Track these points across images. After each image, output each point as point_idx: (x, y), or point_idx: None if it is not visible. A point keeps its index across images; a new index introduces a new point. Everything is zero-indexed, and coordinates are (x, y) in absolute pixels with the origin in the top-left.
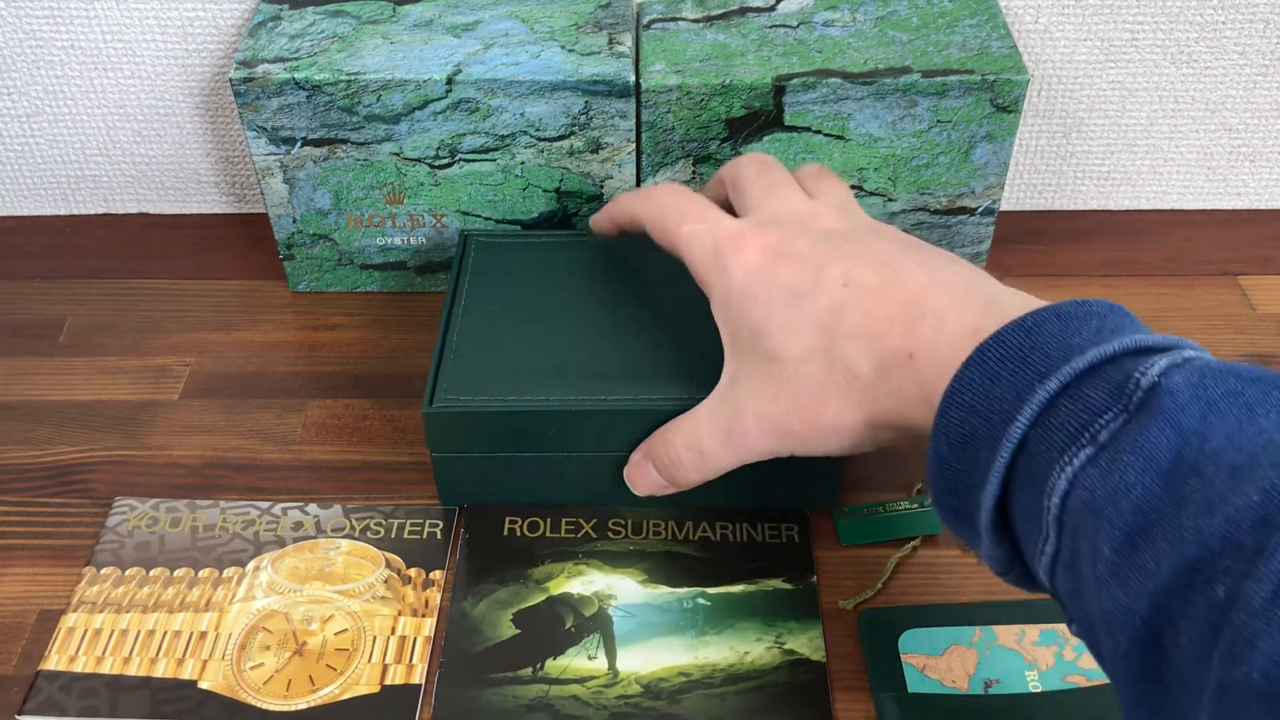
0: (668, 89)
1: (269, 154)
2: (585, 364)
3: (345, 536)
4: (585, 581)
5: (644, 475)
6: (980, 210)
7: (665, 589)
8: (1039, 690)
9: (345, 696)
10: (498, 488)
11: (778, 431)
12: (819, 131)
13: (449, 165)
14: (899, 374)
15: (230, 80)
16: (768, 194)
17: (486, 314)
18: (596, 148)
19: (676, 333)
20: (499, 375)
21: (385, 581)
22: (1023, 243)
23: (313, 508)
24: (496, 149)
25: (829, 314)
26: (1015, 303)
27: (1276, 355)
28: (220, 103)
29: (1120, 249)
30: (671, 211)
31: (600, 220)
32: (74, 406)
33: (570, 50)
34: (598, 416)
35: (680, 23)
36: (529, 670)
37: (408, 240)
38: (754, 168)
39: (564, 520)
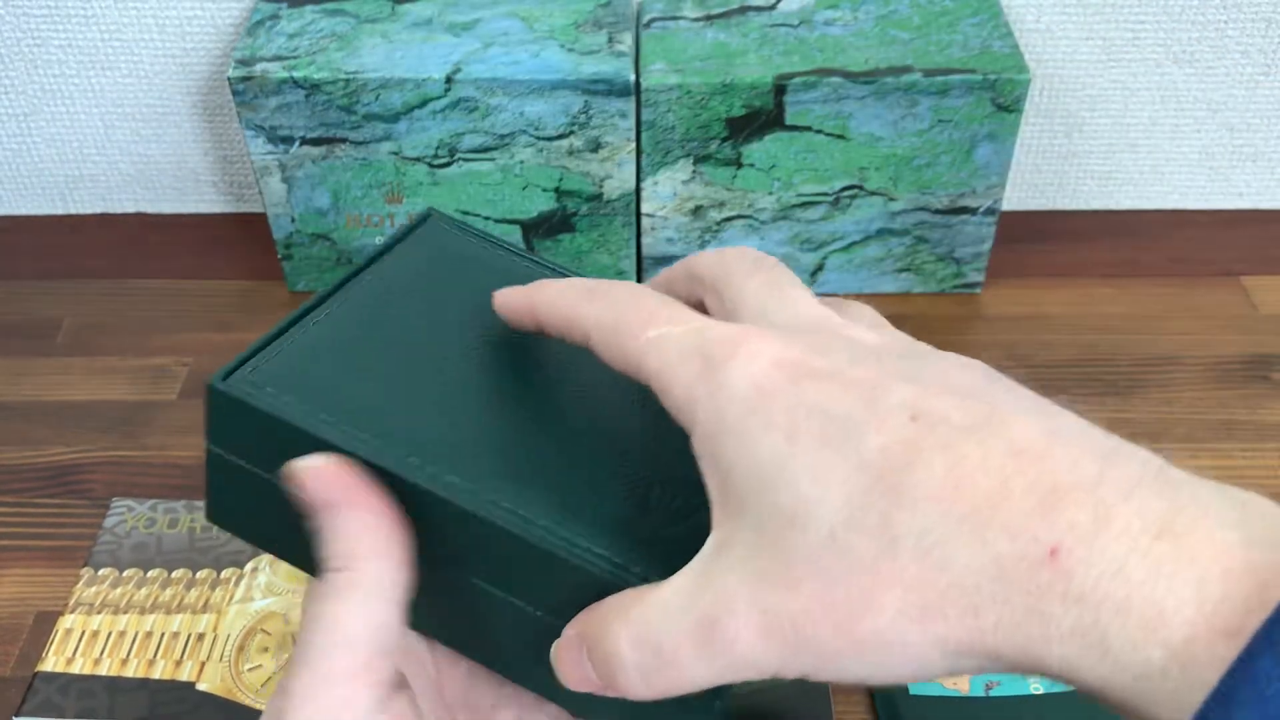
0: (668, 88)
1: (267, 153)
2: (493, 445)
3: None
4: None
5: (576, 664)
6: (982, 210)
7: None
8: (1040, 692)
9: None
10: (295, 552)
11: (789, 637)
12: (820, 131)
13: (448, 164)
14: (1027, 579)
15: (228, 79)
16: (774, 294)
17: (386, 315)
18: (596, 147)
19: (654, 454)
20: (356, 398)
21: None
22: (1024, 243)
23: None
24: (495, 148)
25: (890, 458)
26: (1193, 481)
27: (1279, 356)
28: (218, 102)
29: (1122, 249)
30: (631, 312)
31: (516, 306)
32: (71, 407)
33: (570, 49)
34: (482, 529)
35: (680, 21)
36: None
37: None
38: (748, 264)
39: None
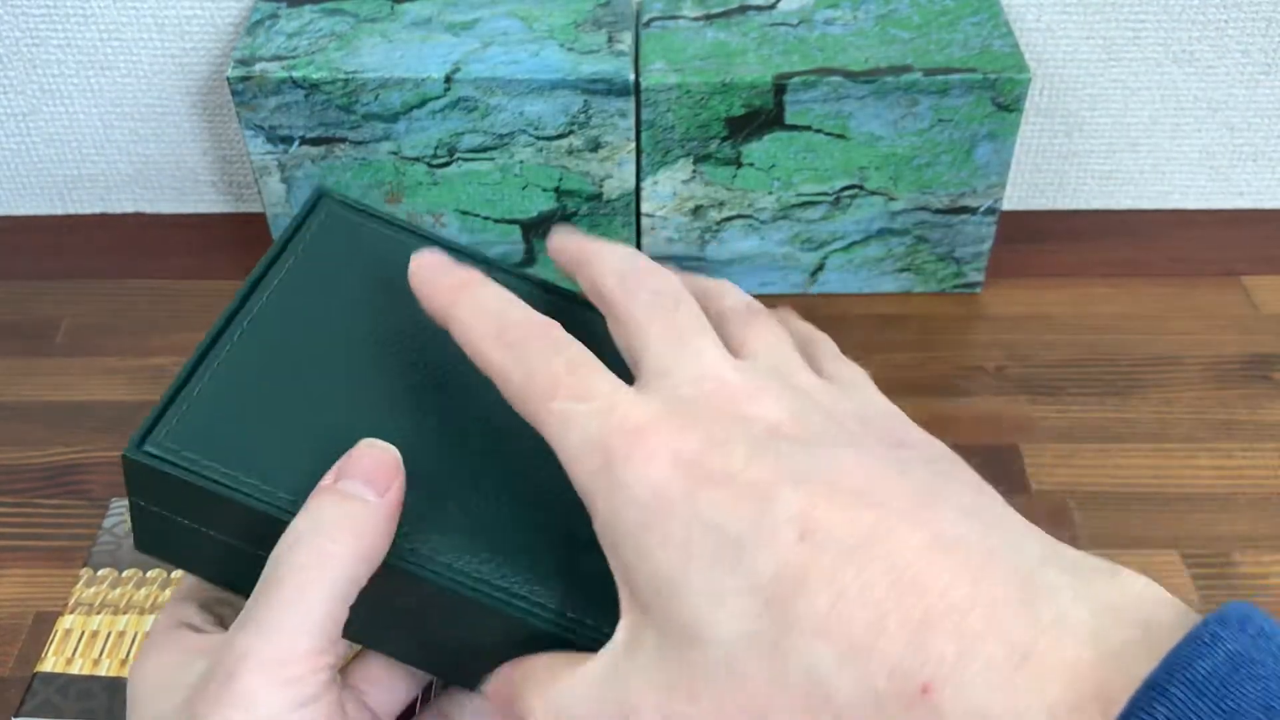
0: (667, 87)
1: (267, 153)
2: (420, 485)
3: None
4: None
5: (509, 705)
6: (982, 210)
7: None
8: None
9: None
10: (227, 580)
11: None
12: (820, 130)
13: (447, 164)
14: (903, 714)
15: (228, 79)
16: (674, 348)
17: (296, 335)
18: (596, 146)
19: None
20: (272, 448)
21: None
22: (1024, 243)
23: None
24: (495, 148)
25: (779, 585)
26: (1061, 586)
27: None
28: (218, 102)
29: (1123, 249)
30: (539, 375)
31: (432, 309)
32: (71, 407)
33: (569, 48)
34: (413, 585)
35: (680, 21)
36: None
37: None
38: (649, 297)
39: None
